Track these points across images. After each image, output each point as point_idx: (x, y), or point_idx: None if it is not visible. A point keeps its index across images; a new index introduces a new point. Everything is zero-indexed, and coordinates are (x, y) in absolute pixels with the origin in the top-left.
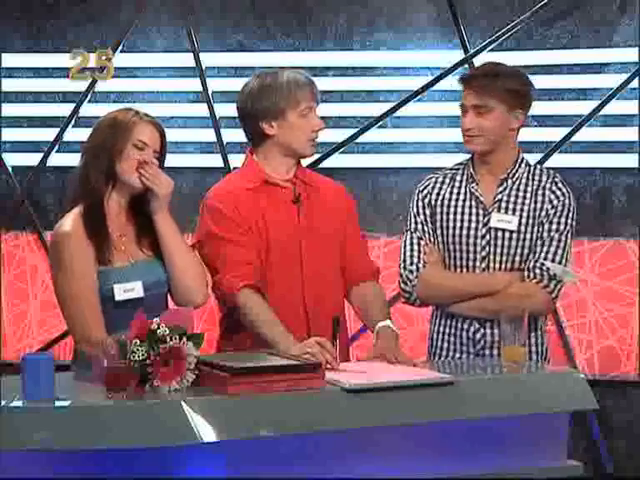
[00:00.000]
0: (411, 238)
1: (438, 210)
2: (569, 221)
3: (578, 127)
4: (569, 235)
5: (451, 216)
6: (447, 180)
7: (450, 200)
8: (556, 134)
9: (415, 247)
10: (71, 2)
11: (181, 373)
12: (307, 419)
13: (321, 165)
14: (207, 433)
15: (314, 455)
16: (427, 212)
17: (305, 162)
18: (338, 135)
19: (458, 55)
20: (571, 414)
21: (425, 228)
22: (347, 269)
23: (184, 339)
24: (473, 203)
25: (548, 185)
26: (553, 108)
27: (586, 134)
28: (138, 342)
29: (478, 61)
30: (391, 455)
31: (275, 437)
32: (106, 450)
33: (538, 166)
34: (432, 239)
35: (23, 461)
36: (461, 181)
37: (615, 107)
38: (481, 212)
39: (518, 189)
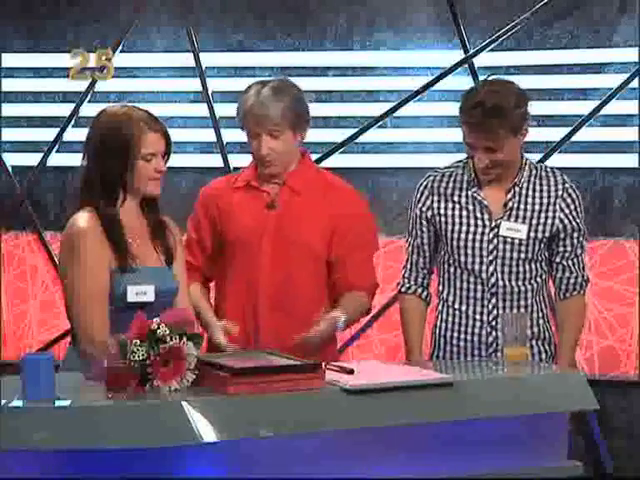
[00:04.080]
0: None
1: (443, 219)
2: (584, 223)
3: (578, 127)
4: (587, 236)
5: (457, 219)
6: (444, 182)
7: (454, 203)
8: (556, 134)
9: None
10: (71, 2)
11: (181, 373)
12: (307, 419)
13: (321, 165)
14: (207, 433)
15: (314, 455)
16: (424, 223)
17: None
18: (338, 135)
19: (458, 55)
20: (571, 414)
21: (419, 242)
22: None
23: (184, 339)
24: (477, 207)
25: (560, 192)
26: (553, 108)
27: (586, 134)
28: (138, 342)
29: (478, 61)
30: (391, 455)
31: (275, 437)
32: (106, 450)
33: (543, 166)
34: (426, 251)
35: (23, 461)
36: (462, 182)
37: (615, 107)
38: (486, 217)
39: (527, 195)
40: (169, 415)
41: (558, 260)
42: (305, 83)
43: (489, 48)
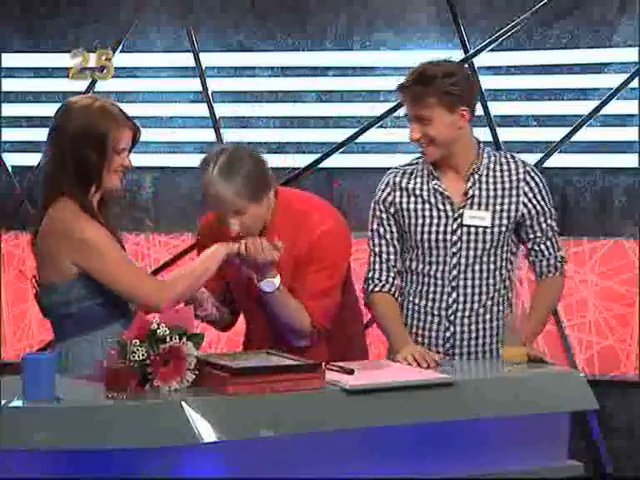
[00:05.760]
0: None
1: (406, 214)
2: (551, 204)
3: (578, 127)
4: (555, 216)
5: (419, 212)
6: (405, 178)
7: (416, 197)
8: (556, 134)
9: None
10: (71, 2)
11: (181, 373)
12: (307, 419)
13: (321, 165)
14: (207, 433)
15: (314, 455)
16: (390, 219)
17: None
18: (338, 135)
19: (458, 55)
20: (571, 414)
21: (383, 241)
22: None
23: (184, 339)
24: (439, 199)
25: (522, 176)
26: (553, 108)
27: (586, 134)
28: (138, 342)
29: (478, 61)
30: (391, 455)
31: (275, 437)
32: (106, 450)
33: (502, 153)
34: (392, 248)
35: (23, 461)
36: (422, 177)
37: (615, 107)
38: (449, 207)
39: (487, 182)
40: (169, 415)
41: (530, 246)
42: (305, 83)
43: (489, 48)
